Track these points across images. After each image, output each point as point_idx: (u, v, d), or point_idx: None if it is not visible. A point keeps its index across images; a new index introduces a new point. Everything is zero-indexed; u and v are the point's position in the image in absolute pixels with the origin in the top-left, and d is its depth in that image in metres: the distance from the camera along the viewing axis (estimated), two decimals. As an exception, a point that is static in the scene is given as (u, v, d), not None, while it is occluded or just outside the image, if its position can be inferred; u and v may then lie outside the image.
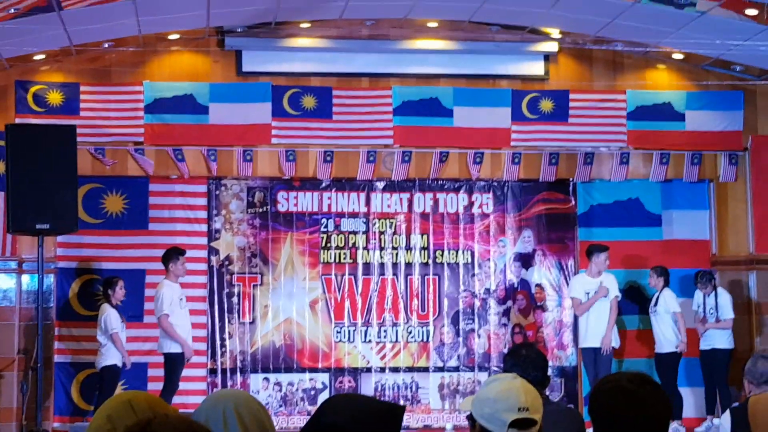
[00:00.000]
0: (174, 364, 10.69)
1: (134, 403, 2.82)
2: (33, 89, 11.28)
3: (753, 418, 4.95)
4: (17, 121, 11.03)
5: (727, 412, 5.52)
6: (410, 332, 11.97)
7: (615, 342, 11.33)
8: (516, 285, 12.17)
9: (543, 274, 12.22)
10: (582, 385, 12.01)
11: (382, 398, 11.76)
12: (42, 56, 11.29)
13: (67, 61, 11.44)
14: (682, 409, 11.28)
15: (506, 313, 12.13)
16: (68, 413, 11.29)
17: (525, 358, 5.43)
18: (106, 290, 10.68)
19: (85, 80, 11.39)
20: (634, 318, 11.97)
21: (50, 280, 11.28)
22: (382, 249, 11.99)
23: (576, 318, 11.89)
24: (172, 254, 10.82)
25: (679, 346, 11.30)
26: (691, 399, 11.65)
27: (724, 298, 11.43)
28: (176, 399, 10.94)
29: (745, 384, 5.58)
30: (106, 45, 11.34)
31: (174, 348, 10.67)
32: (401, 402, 11.74)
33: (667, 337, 11.36)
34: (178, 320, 10.70)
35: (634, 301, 12.02)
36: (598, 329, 11.28)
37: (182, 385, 11.03)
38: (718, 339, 11.36)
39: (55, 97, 11.28)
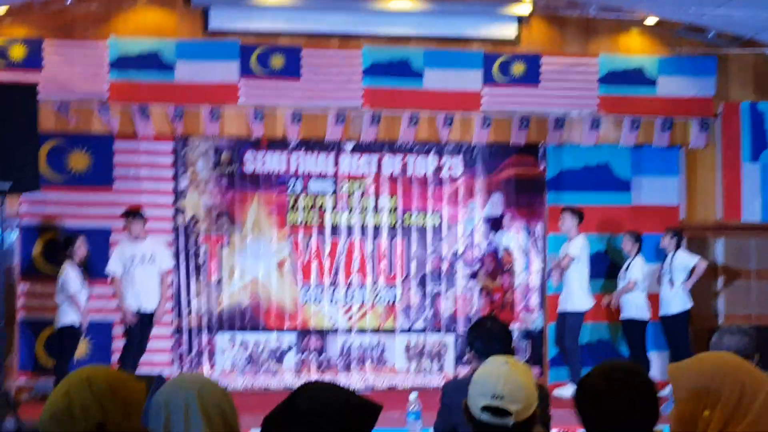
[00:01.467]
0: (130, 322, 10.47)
1: (93, 381, 2.73)
2: (-5, 43, 10.93)
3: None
4: (-21, 75, 10.74)
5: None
6: (377, 294, 11.79)
7: (580, 305, 11.15)
8: (484, 248, 11.99)
9: (511, 237, 12.03)
10: (548, 348, 11.89)
11: (348, 359, 11.62)
12: (3, 9, 10.87)
13: (29, 15, 10.99)
14: (648, 373, 11.17)
15: (473, 276, 11.96)
16: (32, 369, 11.04)
17: (489, 331, 5.31)
18: (65, 249, 10.41)
19: (48, 35, 10.95)
20: (600, 282, 11.78)
21: (13, 237, 11.01)
22: (350, 211, 11.76)
23: (544, 281, 11.86)
24: (125, 214, 10.64)
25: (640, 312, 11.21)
26: (656, 363, 11.52)
27: (680, 260, 11.24)
28: (143, 357, 10.75)
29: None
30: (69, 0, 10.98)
31: (128, 306, 10.43)
32: (367, 363, 11.64)
33: (632, 302, 11.20)
34: (132, 279, 10.48)
35: (601, 266, 11.83)
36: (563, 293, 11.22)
37: (149, 344, 10.81)
38: (672, 304, 11.19)
39: (17, 52, 10.86)
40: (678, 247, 11.31)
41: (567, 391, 10.92)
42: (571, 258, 11.03)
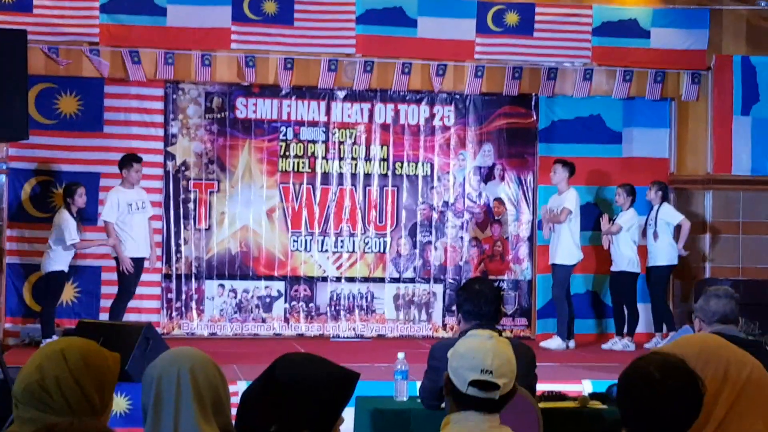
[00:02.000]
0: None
1: (67, 354, 2.72)
2: (-16, -16, 10.74)
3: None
4: (-34, 17, 10.56)
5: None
6: (367, 243, 11.73)
7: (564, 258, 11.12)
8: (474, 198, 11.94)
9: (502, 188, 11.97)
10: (536, 299, 11.90)
11: (337, 308, 11.61)
12: (-6, -49, 10.70)
13: (20, -45, 10.86)
14: (636, 326, 11.20)
15: (463, 226, 11.92)
16: (20, 314, 10.95)
17: (478, 293, 5.25)
18: (65, 197, 10.28)
19: (38, -24, 10.83)
20: (588, 234, 11.74)
21: (2, 180, 10.91)
22: (341, 159, 11.66)
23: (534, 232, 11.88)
24: (126, 161, 10.39)
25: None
26: (643, 315, 11.54)
27: (664, 214, 11.19)
28: (131, 304, 10.69)
29: (696, 321, 5.40)
30: (61, -61, 10.78)
31: (125, 252, 10.33)
32: (356, 312, 11.63)
33: (625, 256, 11.16)
34: (129, 226, 10.33)
35: (589, 218, 11.78)
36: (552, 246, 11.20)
37: (137, 291, 10.74)
38: (659, 256, 11.17)
39: (7, -7, 10.73)
40: (664, 200, 11.28)
41: (552, 343, 10.94)
42: (569, 211, 10.96)
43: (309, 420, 2.70)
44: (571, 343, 11.02)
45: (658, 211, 11.21)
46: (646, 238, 11.29)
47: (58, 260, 10.19)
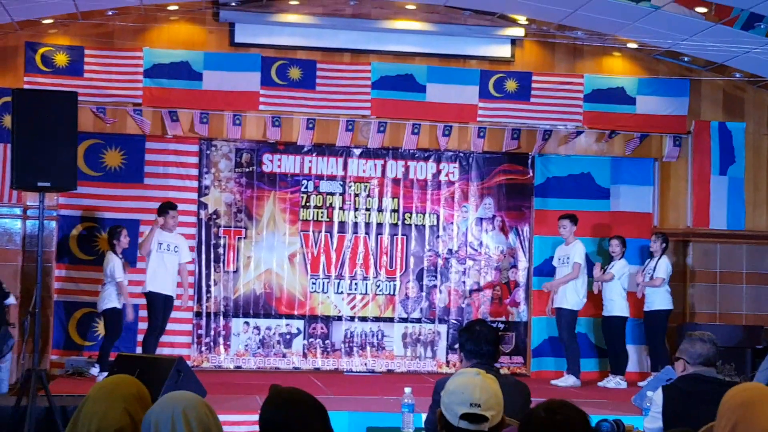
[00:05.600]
0: (153, 302, 10.45)
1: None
2: (41, 50, 10.98)
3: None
4: (26, 79, 10.82)
5: (660, 389, 5.36)
6: (378, 286, 11.88)
7: (572, 304, 11.13)
8: (476, 246, 12.07)
9: (501, 238, 12.12)
10: (530, 339, 11.99)
11: (351, 344, 11.70)
12: (50, 20, 10.97)
13: (73, 26, 11.12)
14: (626, 365, 11.22)
15: (466, 272, 12.04)
16: (65, 348, 11.15)
17: (478, 333, 5.32)
18: (111, 239, 10.45)
19: (89, 44, 11.10)
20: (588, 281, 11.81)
21: (52, 225, 11.10)
22: (356, 210, 11.85)
23: (529, 278, 12.00)
24: (164, 208, 10.60)
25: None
26: (634, 355, 11.60)
27: (662, 262, 11.32)
28: (164, 339, 10.85)
29: (680, 363, 5.41)
30: (110, 13, 11.05)
31: (152, 288, 10.42)
32: (368, 348, 11.72)
33: (615, 302, 11.23)
34: (158, 263, 10.47)
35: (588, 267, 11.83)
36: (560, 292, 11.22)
37: (170, 326, 10.86)
38: (656, 301, 11.26)
39: (61, 59, 10.99)
40: (665, 251, 11.35)
41: (567, 381, 10.92)
42: (580, 265, 11.01)
43: None
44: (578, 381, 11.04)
45: (658, 261, 11.29)
46: (642, 278, 11.31)
47: (111, 298, 10.33)
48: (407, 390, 5.92)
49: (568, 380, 10.93)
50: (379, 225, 11.89)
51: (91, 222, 11.29)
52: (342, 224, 11.82)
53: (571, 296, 11.10)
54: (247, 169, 11.65)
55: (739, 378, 10.82)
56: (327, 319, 11.74)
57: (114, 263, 10.30)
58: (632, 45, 11.94)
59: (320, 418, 3.01)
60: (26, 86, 10.56)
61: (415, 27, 11.73)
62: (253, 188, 11.64)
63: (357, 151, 11.85)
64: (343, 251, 11.80)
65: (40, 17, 10.84)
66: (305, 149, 11.71)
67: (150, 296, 10.48)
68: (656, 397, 5.32)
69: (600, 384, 11.14)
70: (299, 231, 11.73)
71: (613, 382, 11.04)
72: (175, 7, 11.26)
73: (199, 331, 11.49)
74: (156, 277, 10.49)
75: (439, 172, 12.01)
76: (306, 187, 11.75)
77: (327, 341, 11.72)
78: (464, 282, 12.02)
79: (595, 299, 11.48)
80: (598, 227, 12.06)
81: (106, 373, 10.05)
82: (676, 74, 12.17)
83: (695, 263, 12.20)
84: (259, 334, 11.61)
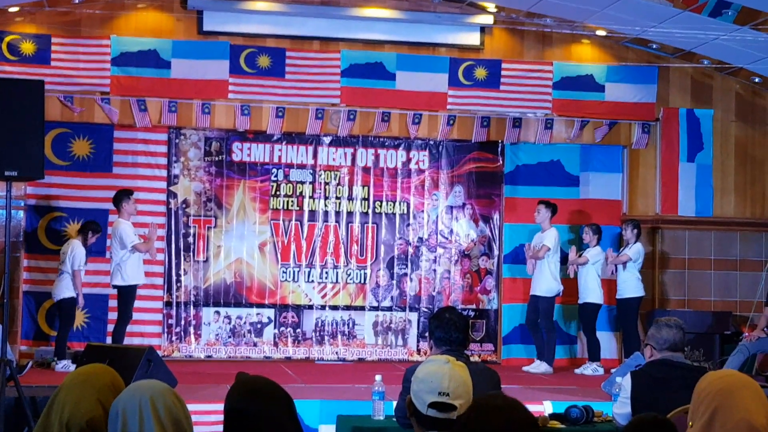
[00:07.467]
0: (126, 296, 10.36)
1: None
2: (7, 39, 10.82)
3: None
4: (-9, 68, 10.68)
5: (628, 375, 5.37)
6: (349, 274, 11.84)
7: (546, 291, 11.14)
8: (446, 234, 12.06)
9: (471, 225, 12.12)
10: (501, 326, 12.00)
11: (322, 333, 11.67)
12: (16, 8, 10.82)
13: (39, 14, 10.98)
14: (600, 352, 11.22)
15: (436, 260, 12.03)
16: (34, 338, 11.05)
17: (448, 320, 5.31)
18: (83, 231, 10.39)
19: (56, 32, 10.93)
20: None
21: (20, 215, 10.98)
22: (326, 198, 11.80)
23: (499, 266, 12.00)
24: (123, 195, 10.45)
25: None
26: (606, 342, 11.62)
27: (635, 246, 11.29)
28: (134, 328, 10.79)
29: (648, 349, 5.43)
30: (77, 0, 10.90)
31: (125, 281, 10.32)
32: (339, 337, 11.70)
33: (590, 288, 11.21)
34: (139, 257, 10.41)
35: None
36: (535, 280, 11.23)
37: (140, 316, 10.86)
38: (628, 289, 11.26)
39: (28, 47, 10.84)
40: (638, 237, 11.37)
41: (540, 367, 10.91)
42: (548, 248, 11.05)
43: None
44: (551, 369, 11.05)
45: (631, 247, 11.29)
46: (617, 272, 11.33)
47: (68, 287, 10.27)
48: (378, 378, 5.93)
49: (540, 367, 10.94)
50: (350, 213, 11.84)
51: (59, 212, 11.16)
52: (312, 213, 11.77)
53: (543, 283, 11.10)
54: (216, 158, 11.57)
55: (707, 364, 10.89)
56: (298, 308, 11.69)
57: (78, 252, 10.22)
58: (601, 32, 11.94)
59: (286, 406, 2.97)
60: (-8, 75, 10.43)
61: (385, 15, 11.66)
62: (223, 177, 11.57)
63: (327, 140, 11.79)
64: (313, 240, 11.76)
65: (6, 5, 10.69)
66: (275, 138, 11.63)
67: (130, 289, 10.36)
68: (625, 382, 5.33)
69: (577, 371, 11.11)
70: (269, 220, 11.67)
71: (590, 368, 11.04)
72: (143, -5, 11.16)
73: (170, 321, 11.41)
74: (139, 269, 10.43)
75: (409, 160, 11.98)
76: (276, 176, 11.69)
77: (298, 330, 11.68)
78: (435, 270, 12.00)
79: (567, 286, 11.40)
80: (573, 215, 12.04)
81: (66, 361, 9.99)
82: (645, 61, 12.18)
83: (664, 250, 12.25)
84: (229, 323, 11.55)
